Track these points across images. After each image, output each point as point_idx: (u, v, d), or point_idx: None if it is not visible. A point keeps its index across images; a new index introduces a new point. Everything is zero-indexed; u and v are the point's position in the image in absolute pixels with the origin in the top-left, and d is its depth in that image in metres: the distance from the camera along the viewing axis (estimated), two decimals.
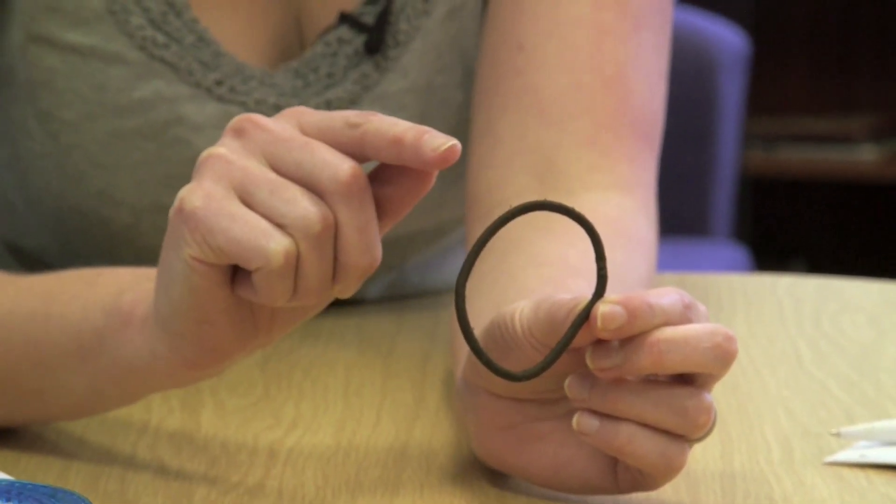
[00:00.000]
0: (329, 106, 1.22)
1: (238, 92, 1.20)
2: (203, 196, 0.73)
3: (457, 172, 1.18)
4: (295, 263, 0.72)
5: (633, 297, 0.72)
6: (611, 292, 0.74)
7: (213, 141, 0.92)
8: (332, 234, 0.72)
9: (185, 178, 0.89)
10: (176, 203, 0.76)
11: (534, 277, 0.98)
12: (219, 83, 1.19)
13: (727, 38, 3.64)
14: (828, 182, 4.52)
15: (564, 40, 1.15)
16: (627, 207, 1.10)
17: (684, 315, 0.72)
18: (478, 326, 0.77)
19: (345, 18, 1.18)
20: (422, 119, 1.17)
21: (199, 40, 1.19)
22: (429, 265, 1.38)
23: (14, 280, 1.01)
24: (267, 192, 0.72)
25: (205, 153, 0.77)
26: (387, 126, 0.72)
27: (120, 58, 1.18)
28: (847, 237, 4.78)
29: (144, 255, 1.13)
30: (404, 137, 0.71)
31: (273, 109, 1.18)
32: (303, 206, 0.71)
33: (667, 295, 0.73)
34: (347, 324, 1.29)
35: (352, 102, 1.23)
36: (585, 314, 0.71)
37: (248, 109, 1.19)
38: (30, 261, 1.33)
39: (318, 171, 0.72)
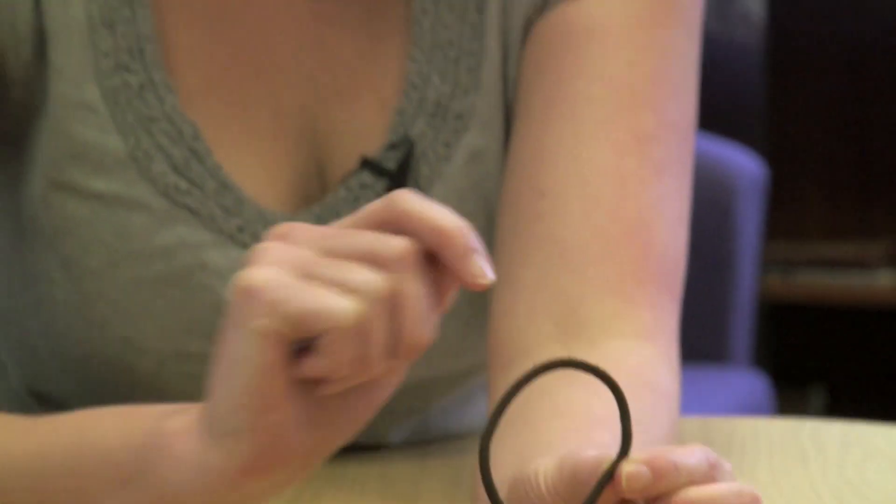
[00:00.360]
0: None
1: (260, 237, 1.02)
2: (266, 272, 0.74)
3: (479, 318, 1.19)
4: (363, 327, 0.72)
5: (658, 456, 0.70)
6: (634, 445, 0.73)
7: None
8: (396, 302, 0.73)
9: (210, 325, 0.98)
10: (237, 285, 0.76)
11: (557, 429, 0.97)
12: (241, 229, 1.20)
13: (743, 164, 3.65)
14: (846, 308, 4.49)
15: (586, 187, 1.14)
16: (650, 356, 1.09)
17: (709, 474, 0.70)
18: (500, 479, 0.76)
19: (366, 164, 1.19)
20: None
21: (222, 186, 1.21)
22: (452, 409, 1.37)
23: (48, 419, 1.01)
24: (328, 267, 0.73)
25: (255, 249, 0.79)
26: (430, 215, 0.74)
27: (143, 204, 1.19)
28: (867, 362, 4.68)
29: (168, 401, 1.01)
30: (453, 239, 0.74)
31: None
32: (368, 273, 0.72)
33: (692, 454, 0.71)
34: (370, 471, 1.27)
35: None
36: (610, 474, 0.70)
37: None
38: (52, 406, 1.29)
39: (375, 247, 0.73)
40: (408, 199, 0.77)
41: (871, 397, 4.53)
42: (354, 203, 1.20)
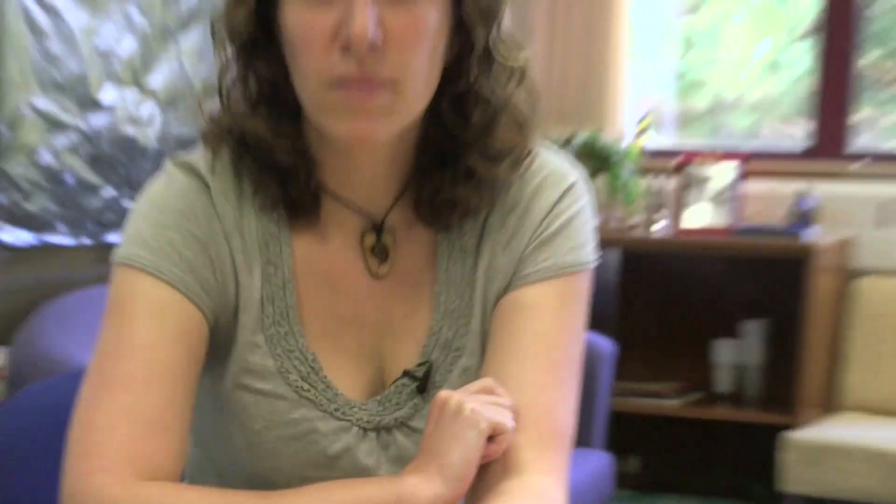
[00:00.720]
0: (395, 421, 1.46)
1: (347, 414, 1.43)
2: (473, 407, 1.27)
3: None
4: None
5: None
6: None
7: (335, 442, 1.43)
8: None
9: (319, 463, 1.43)
10: (458, 408, 1.27)
11: None
12: (337, 409, 1.43)
13: (603, 344, 3.91)
14: (655, 416, 4.78)
15: (522, 392, 1.37)
16: (552, 485, 1.35)
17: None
18: None
19: (406, 373, 1.45)
20: None
21: (327, 387, 1.43)
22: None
23: (277, 493, 1.33)
24: (492, 405, 1.29)
25: (454, 403, 1.27)
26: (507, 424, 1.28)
27: (284, 397, 1.42)
28: (661, 443, 5.00)
29: None
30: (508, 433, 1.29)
31: (367, 424, 1.45)
32: (507, 410, 1.29)
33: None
34: None
35: (407, 419, 1.46)
36: None
37: (354, 424, 1.44)
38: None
39: (499, 400, 1.30)
40: (492, 383, 1.33)
41: (662, 463, 4.94)
42: (399, 395, 1.47)
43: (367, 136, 1.30)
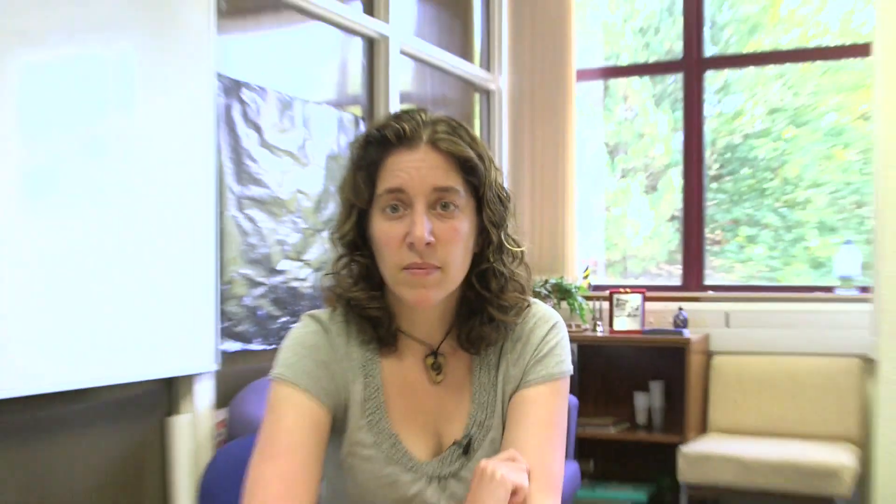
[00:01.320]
0: (449, 473, 1.36)
1: (418, 470, 1.34)
2: (502, 473, 1.20)
3: None
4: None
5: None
6: None
7: (411, 488, 1.34)
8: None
9: (400, 501, 1.34)
10: (492, 474, 1.21)
11: None
12: (412, 467, 1.33)
13: (570, 400, 3.47)
14: (604, 438, 4.55)
15: (526, 454, 1.27)
16: None
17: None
18: None
19: (455, 443, 1.35)
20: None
21: (405, 453, 1.34)
22: None
23: None
24: (514, 467, 1.22)
25: (490, 470, 1.21)
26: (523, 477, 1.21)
27: (378, 460, 1.33)
28: (608, 451, 4.73)
29: None
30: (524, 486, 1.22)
31: (431, 475, 1.35)
32: (525, 474, 1.21)
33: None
34: None
35: (457, 471, 1.36)
36: None
37: (423, 476, 1.34)
38: None
39: (523, 465, 1.23)
40: (515, 453, 1.26)
41: (606, 465, 4.71)
42: (450, 456, 1.36)
43: (426, 300, 1.28)
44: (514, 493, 1.19)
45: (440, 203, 1.26)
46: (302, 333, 1.35)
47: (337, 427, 1.34)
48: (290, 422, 1.26)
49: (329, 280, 1.38)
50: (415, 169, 1.25)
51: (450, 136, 1.28)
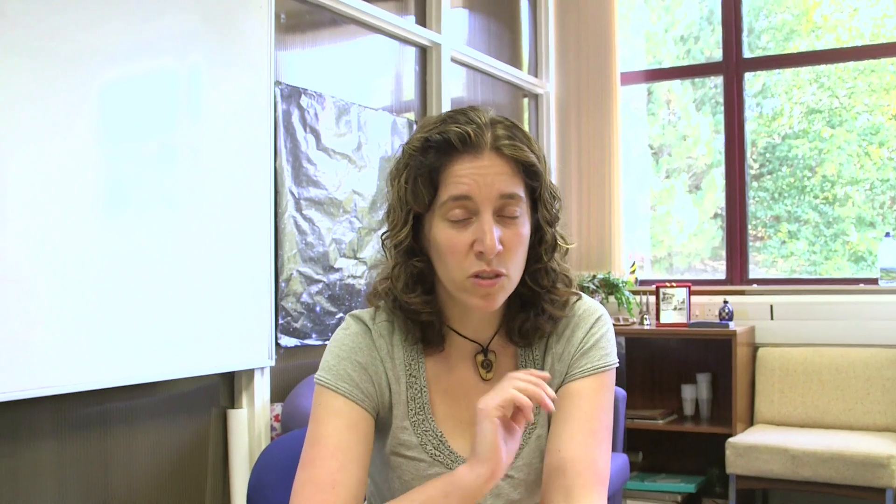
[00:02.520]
0: None
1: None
2: (484, 404, 1.08)
3: (539, 488, 1.26)
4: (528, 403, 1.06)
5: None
6: None
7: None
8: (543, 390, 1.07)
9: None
10: (479, 411, 1.09)
11: None
12: (454, 464, 1.24)
13: (618, 391, 3.48)
14: (656, 429, 4.37)
15: (573, 449, 1.19)
16: None
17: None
18: None
19: None
20: (528, 469, 1.27)
21: (451, 452, 1.25)
22: None
23: (405, 494, 1.16)
24: (524, 381, 1.09)
25: (480, 408, 1.09)
26: (540, 391, 1.07)
27: (423, 460, 1.24)
28: (655, 445, 4.52)
29: None
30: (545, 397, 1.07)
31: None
32: (533, 387, 1.07)
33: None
34: None
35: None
36: None
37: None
38: None
39: (530, 379, 1.08)
40: (534, 371, 1.12)
41: (655, 456, 4.53)
42: None
43: (491, 305, 1.20)
44: (518, 409, 1.09)
45: (505, 209, 1.18)
46: (343, 336, 1.28)
47: (381, 426, 1.27)
48: (330, 427, 1.19)
49: (383, 285, 1.28)
50: (481, 175, 1.17)
51: (511, 140, 1.20)
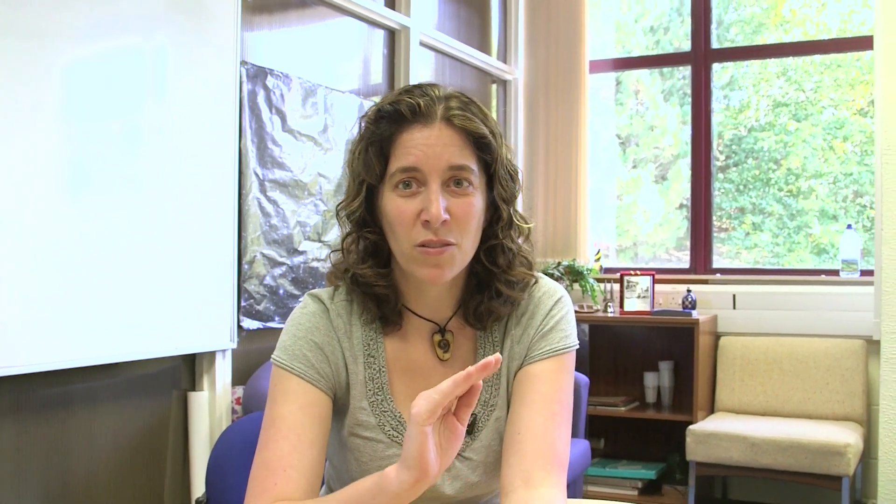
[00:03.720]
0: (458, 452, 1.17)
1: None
2: (411, 411, 0.99)
3: (497, 474, 1.25)
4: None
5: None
6: None
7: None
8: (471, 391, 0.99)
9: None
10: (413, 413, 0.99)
11: None
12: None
13: (580, 378, 3.48)
14: (613, 415, 4.41)
15: (532, 430, 1.18)
16: (557, 495, 1.15)
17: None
18: None
19: None
20: (487, 451, 1.26)
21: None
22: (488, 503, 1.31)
23: (338, 491, 1.12)
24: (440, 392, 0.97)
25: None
26: (467, 375, 0.97)
27: (381, 441, 1.25)
28: (618, 430, 4.58)
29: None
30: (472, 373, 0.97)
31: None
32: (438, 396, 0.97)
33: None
34: None
35: (462, 451, 1.25)
36: None
37: None
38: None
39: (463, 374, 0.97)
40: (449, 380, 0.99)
41: (617, 443, 4.58)
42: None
43: (439, 277, 1.19)
44: (464, 403, 1.02)
45: (454, 180, 1.17)
46: (300, 315, 1.26)
47: (339, 407, 1.26)
48: (285, 409, 1.18)
49: (336, 257, 1.28)
50: (429, 146, 1.16)
51: (463, 112, 1.18)
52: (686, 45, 4.85)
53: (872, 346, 3.87)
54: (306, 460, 1.16)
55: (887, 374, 3.19)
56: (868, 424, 3.98)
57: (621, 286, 4.38)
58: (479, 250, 1.24)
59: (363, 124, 1.22)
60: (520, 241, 1.27)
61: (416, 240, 1.16)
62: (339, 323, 1.25)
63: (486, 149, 1.20)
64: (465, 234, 1.18)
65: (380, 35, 3.93)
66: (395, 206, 1.17)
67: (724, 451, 3.76)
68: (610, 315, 4.46)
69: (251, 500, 1.16)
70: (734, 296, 4.40)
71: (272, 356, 1.24)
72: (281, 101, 3.23)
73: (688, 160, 4.81)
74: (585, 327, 4.57)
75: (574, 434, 3.25)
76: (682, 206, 4.97)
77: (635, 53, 5.16)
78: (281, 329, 3.07)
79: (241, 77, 3.00)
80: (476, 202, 1.18)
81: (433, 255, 1.16)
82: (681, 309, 4.33)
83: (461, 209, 1.16)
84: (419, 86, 1.22)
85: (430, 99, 1.18)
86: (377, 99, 1.25)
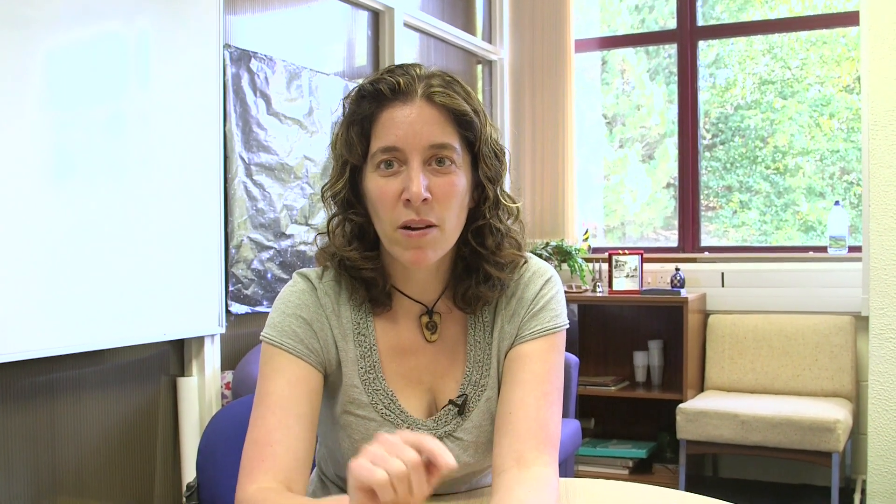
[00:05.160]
0: (444, 433, 1.27)
1: (415, 428, 1.26)
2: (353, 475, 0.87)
3: (489, 453, 1.26)
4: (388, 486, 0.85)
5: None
6: None
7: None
8: (412, 475, 0.86)
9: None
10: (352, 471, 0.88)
11: None
12: (407, 426, 1.25)
13: (570, 358, 3.54)
14: (604, 396, 4.46)
15: (524, 410, 1.19)
16: (549, 474, 1.17)
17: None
18: None
19: (450, 402, 1.27)
20: (478, 431, 1.27)
21: (401, 412, 1.26)
22: (480, 479, 1.33)
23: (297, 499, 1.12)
24: (388, 460, 0.86)
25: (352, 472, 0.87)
26: (434, 451, 0.88)
27: (374, 419, 1.25)
28: (607, 410, 4.61)
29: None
30: (439, 458, 0.88)
31: (430, 434, 1.25)
32: (398, 463, 0.86)
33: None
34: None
35: (452, 431, 1.27)
36: None
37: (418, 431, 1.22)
38: (342, 481, 1.35)
39: (405, 457, 0.87)
40: (428, 440, 0.89)
41: (607, 422, 4.61)
42: (445, 416, 1.27)
43: (422, 260, 1.18)
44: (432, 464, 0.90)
45: (436, 159, 1.16)
46: (288, 292, 1.27)
47: (331, 385, 1.27)
48: (277, 383, 1.18)
49: (322, 239, 1.28)
50: (409, 124, 1.15)
51: (444, 89, 1.17)
52: (671, 23, 4.84)
53: (861, 322, 3.88)
54: (291, 435, 1.16)
55: (876, 350, 3.23)
56: (857, 400, 3.99)
57: (610, 266, 4.39)
58: (467, 231, 1.23)
59: (346, 105, 1.21)
60: (509, 221, 1.27)
61: (398, 220, 1.15)
62: (328, 302, 1.25)
63: (468, 126, 1.18)
64: (448, 214, 1.17)
65: (364, 16, 3.92)
66: (377, 185, 1.16)
67: (714, 429, 3.78)
68: (599, 295, 4.47)
69: (242, 477, 1.16)
70: (722, 274, 4.41)
71: (261, 334, 1.24)
72: (265, 84, 3.21)
73: (674, 139, 4.81)
74: (574, 307, 4.58)
75: (564, 414, 3.26)
76: (669, 185, 4.98)
77: (620, 32, 5.15)
78: (269, 313, 3.16)
79: (224, 60, 3.00)
80: (458, 181, 1.17)
81: (415, 238, 1.15)
82: (669, 288, 4.34)
83: (443, 188, 1.16)
84: (401, 65, 1.21)
85: (410, 77, 1.17)
86: (362, 81, 1.24)
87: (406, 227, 1.16)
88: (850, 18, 4.30)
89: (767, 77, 4.79)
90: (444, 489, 1.30)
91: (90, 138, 2.45)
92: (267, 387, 1.19)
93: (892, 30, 3.22)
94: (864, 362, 3.94)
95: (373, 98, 1.17)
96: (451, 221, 1.18)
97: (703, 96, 4.81)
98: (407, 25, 4.09)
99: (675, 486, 3.91)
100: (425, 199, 1.14)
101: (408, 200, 1.14)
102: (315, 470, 1.42)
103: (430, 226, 1.16)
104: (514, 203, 1.27)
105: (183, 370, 2.89)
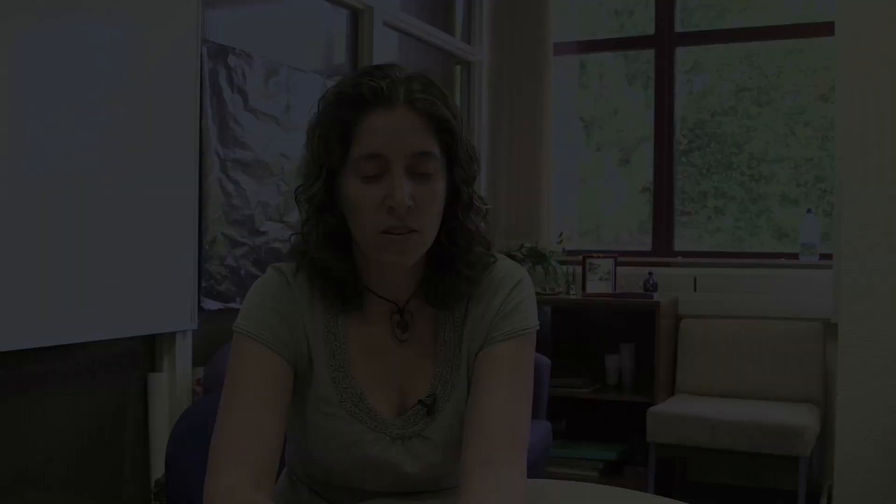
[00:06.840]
0: (413, 433, 1.27)
1: (382, 428, 1.26)
2: None
3: (459, 451, 1.23)
4: None
5: None
6: None
7: (375, 446, 1.25)
8: None
9: (364, 459, 1.25)
10: None
11: None
12: (376, 426, 1.26)
13: (542, 360, 3.77)
14: (574, 398, 4.41)
15: (492, 410, 1.20)
16: (516, 475, 1.17)
17: None
18: None
19: (420, 402, 1.27)
20: (447, 432, 1.27)
21: (370, 411, 1.26)
22: (451, 480, 1.31)
23: None
24: None
25: None
26: None
27: (342, 417, 1.25)
28: (577, 411, 4.58)
29: (349, 484, 1.29)
30: None
31: (395, 434, 1.27)
32: None
33: None
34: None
35: (421, 431, 1.27)
36: None
37: (387, 435, 1.26)
38: (316, 483, 1.36)
39: None
40: None
41: (578, 424, 4.57)
42: (415, 416, 1.28)
43: (403, 263, 1.19)
44: None
45: (417, 166, 1.16)
46: (263, 284, 1.26)
47: (301, 382, 1.25)
48: (249, 375, 1.18)
49: (296, 240, 1.26)
50: (393, 131, 1.14)
51: (426, 95, 1.17)
52: (651, 29, 4.86)
53: (830, 328, 3.91)
54: (266, 429, 1.16)
55: (844, 357, 3.26)
56: (825, 406, 4.03)
57: (583, 268, 4.41)
58: (440, 232, 1.23)
59: (323, 107, 1.20)
60: (480, 222, 1.28)
61: (379, 226, 1.15)
62: (301, 298, 1.24)
63: (448, 133, 1.19)
64: (429, 220, 1.18)
65: (343, 14, 3.90)
66: (358, 192, 1.16)
67: (684, 433, 3.80)
68: (572, 297, 4.49)
69: (211, 471, 1.15)
70: (695, 278, 4.44)
71: (234, 324, 1.23)
72: (242, 80, 3.20)
73: (651, 144, 4.84)
74: (547, 309, 4.57)
75: (536, 415, 3.39)
76: (645, 189, 5.00)
77: (600, 36, 5.17)
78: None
79: (201, 56, 2.98)
80: (439, 187, 1.18)
81: (398, 243, 1.16)
82: (642, 291, 4.37)
83: (425, 195, 1.16)
84: (379, 67, 1.20)
85: (391, 81, 1.16)
86: (339, 82, 1.24)
87: (388, 231, 1.16)
88: (825, 29, 4.34)
89: (744, 84, 4.83)
90: (413, 489, 1.29)
91: (64, 132, 2.42)
92: (238, 378, 1.18)
93: (866, 41, 3.26)
94: (833, 368, 3.89)
95: (353, 102, 1.16)
96: (431, 227, 1.19)
97: (680, 102, 4.85)
98: (386, 24, 4.09)
99: (644, 488, 3.94)
100: (409, 207, 1.14)
101: (391, 207, 1.14)
102: (284, 470, 1.41)
103: (412, 231, 1.16)
104: (485, 205, 1.28)
105: (154, 366, 2.87)
